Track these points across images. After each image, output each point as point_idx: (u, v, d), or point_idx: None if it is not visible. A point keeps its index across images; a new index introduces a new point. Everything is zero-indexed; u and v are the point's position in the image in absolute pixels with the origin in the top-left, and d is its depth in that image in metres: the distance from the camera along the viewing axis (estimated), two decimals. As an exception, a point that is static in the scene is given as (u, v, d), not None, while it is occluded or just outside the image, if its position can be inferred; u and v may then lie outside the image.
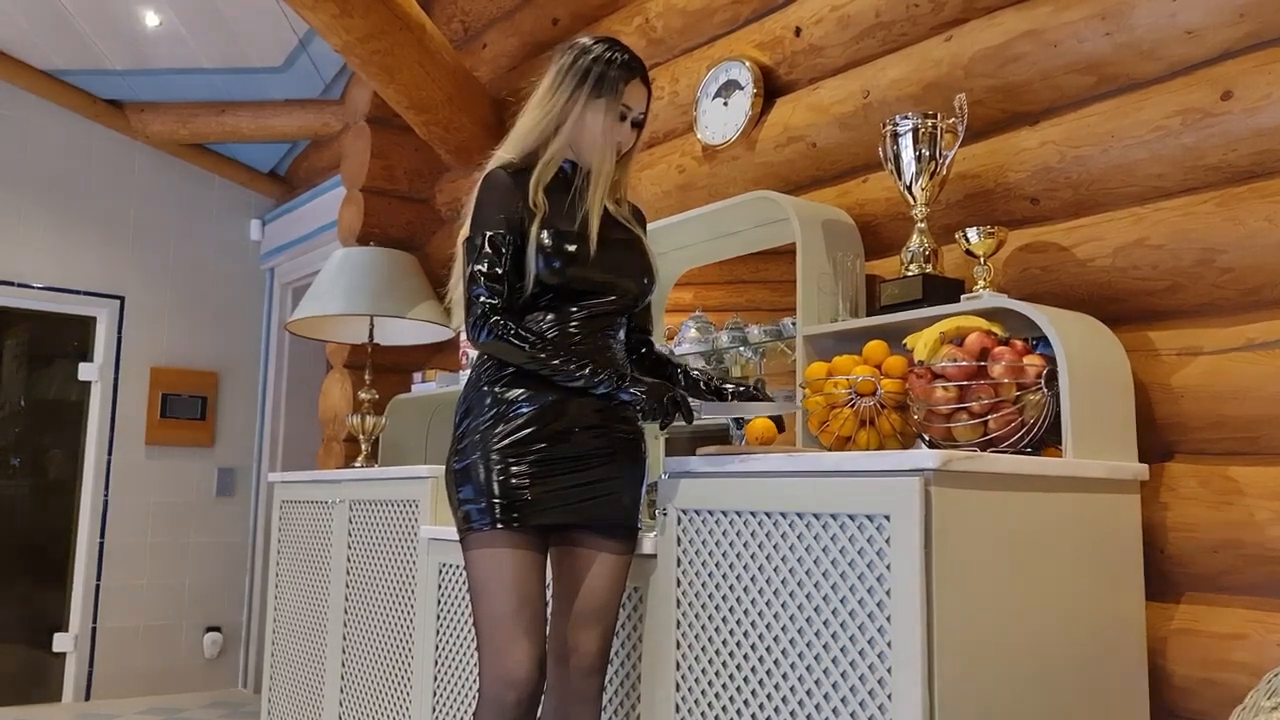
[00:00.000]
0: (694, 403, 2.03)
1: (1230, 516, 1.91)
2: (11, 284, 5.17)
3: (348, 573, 3.18)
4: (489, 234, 1.98)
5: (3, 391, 5.26)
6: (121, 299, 5.44)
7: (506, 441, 1.96)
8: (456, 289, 2.12)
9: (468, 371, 2.43)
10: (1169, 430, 2.02)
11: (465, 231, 2.05)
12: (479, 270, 1.96)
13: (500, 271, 1.97)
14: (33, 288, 5.22)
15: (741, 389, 2.17)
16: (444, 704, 2.66)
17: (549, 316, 2.01)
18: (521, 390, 1.99)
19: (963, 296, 2.11)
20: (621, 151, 2.11)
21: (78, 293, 5.33)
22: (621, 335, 2.13)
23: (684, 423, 1.94)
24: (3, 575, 5.13)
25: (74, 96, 5.22)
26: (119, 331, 5.42)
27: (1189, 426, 1.99)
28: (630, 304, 2.11)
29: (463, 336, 3.48)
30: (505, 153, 2.09)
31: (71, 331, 5.39)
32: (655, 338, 2.29)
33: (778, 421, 2.44)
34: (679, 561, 2.02)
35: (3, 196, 5.15)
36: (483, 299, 1.95)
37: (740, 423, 2.60)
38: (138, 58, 4.87)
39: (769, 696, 1.81)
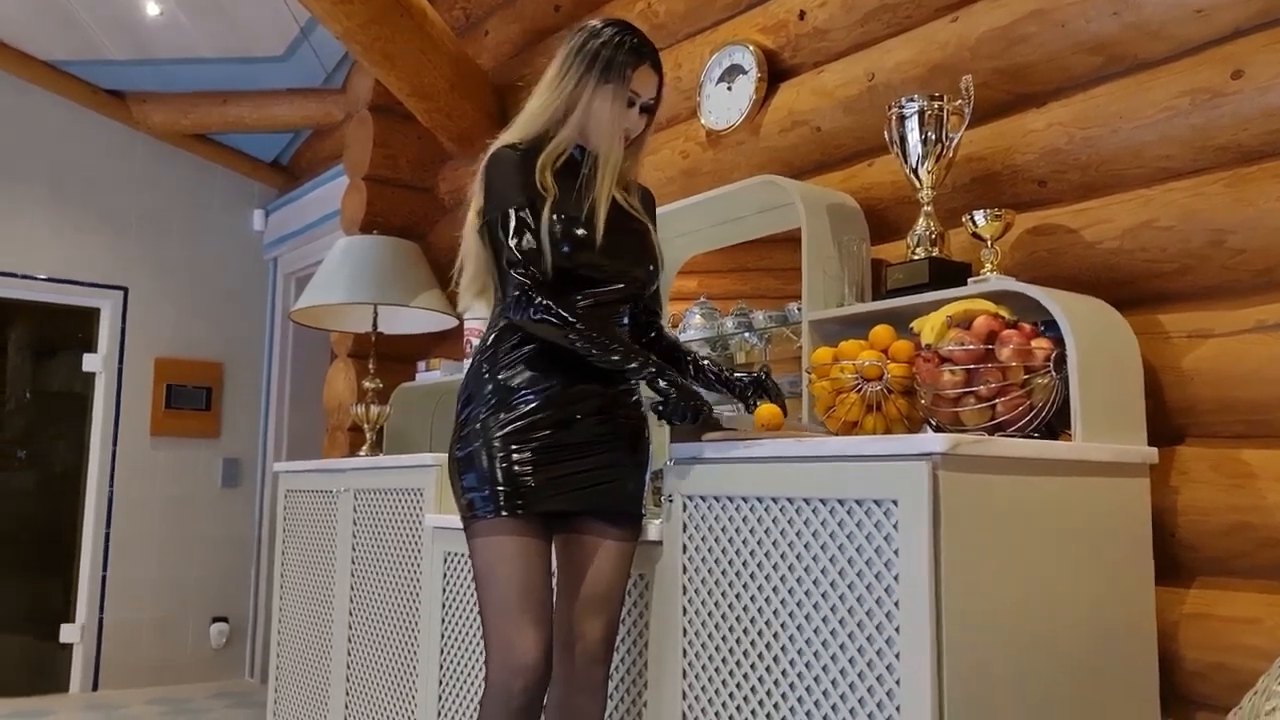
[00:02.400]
0: (709, 395, 2.01)
1: (1241, 500, 1.89)
2: (15, 275, 5.17)
3: (353, 562, 3.17)
4: (514, 210, 1.94)
5: (7, 384, 5.26)
6: (125, 290, 5.44)
7: (509, 429, 1.94)
8: (464, 273, 2.09)
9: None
10: (1179, 413, 2.00)
11: (476, 210, 2.01)
12: (514, 247, 1.92)
13: (533, 246, 1.93)
14: (36, 279, 5.22)
15: (749, 378, 2.16)
16: (450, 692, 2.65)
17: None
18: (524, 378, 1.97)
19: (970, 280, 2.10)
20: (630, 138, 2.08)
21: (81, 284, 5.33)
22: (626, 322, 2.11)
23: (690, 426, 1.93)
24: (9, 567, 5.14)
25: (75, 87, 5.21)
26: (123, 322, 5.42)
27: (1199, 409, 1.97)
28: (636, 291, 2.09)
29: (466, 324, 3.47)
30: (512, 135, 2.05)
31: (75, 323, 5.39)
32: (662, 322, 2.27)
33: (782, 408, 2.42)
34: (685, 548, 2.01)
35: (5, 188, 5.15)
36: (521, 276, 1.91)
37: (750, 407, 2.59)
38: (139, 48, 4.86)
39: (776, 683, 1.80)
